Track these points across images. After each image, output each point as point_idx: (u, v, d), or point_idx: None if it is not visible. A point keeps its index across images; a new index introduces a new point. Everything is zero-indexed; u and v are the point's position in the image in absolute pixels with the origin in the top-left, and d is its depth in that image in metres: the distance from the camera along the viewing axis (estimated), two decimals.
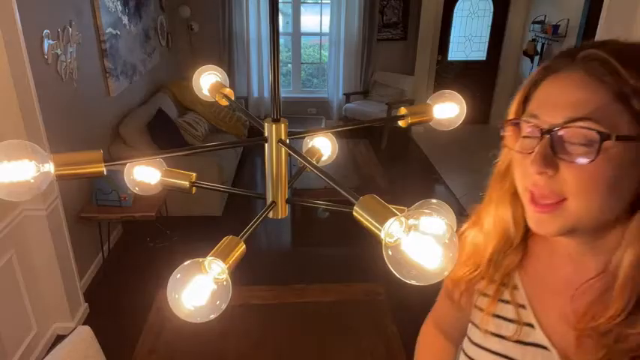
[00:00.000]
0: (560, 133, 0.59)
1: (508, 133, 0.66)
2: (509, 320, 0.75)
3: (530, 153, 0.61)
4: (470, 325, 0.82)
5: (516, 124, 0.65)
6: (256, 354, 1.67)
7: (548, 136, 0.59)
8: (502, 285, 0.77)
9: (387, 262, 0.43)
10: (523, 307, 0.74)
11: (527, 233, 0.76)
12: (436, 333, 1.02)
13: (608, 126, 0.56)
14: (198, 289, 0.48)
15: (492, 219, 0.77)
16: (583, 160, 0.57)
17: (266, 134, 0.60)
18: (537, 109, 0.62)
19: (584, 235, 0.66)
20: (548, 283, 0.73)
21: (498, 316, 0.76)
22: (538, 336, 0.71)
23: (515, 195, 0.70)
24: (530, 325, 0.72)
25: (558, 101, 0.60)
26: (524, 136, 0.63)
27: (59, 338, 2.70)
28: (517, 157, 0.66)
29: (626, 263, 0.61)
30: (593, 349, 0.63)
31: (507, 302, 0.76)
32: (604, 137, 0.56)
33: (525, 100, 0.67)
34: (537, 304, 0.73)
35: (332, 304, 1.90)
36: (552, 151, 0.59)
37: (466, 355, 0.80)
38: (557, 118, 0.59)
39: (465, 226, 0.83)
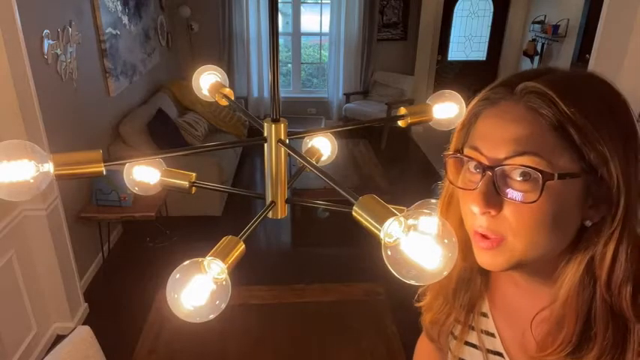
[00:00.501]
0: (503, 168, 0.57)
1: (450, 167, 0.65)
2: None
3: (473, 189, 0.60)
4: None
5: (457, 158, 0.64)
6: (256, 354, 1.67)
7: (490, 173, 0.58)
8: (470, 328, 0.77)
9: (387, 262, 0.43)
10: (492, 335, 0.74)
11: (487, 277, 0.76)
12: (429, 344, 1.01)
13: (549, 160, 0.56)
14: (198, 289, 0.48)
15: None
16: (526, 200, 0.56)
17: (266, 134, 0.60)
18: (478, 141, 0.61)
19: (534, 268, 0.65)
20: (511, 312, 0.73)
21: None
22: None
23: (462, 225, 0.68)
24: (500, 354, 0.73)
25: (499, 135, 0.59)
26: (468, 170, 0.62)
27: (59, 338, 2.70)
28: (460, 193, 0.64)
29: (561, 297, 0.62)
30: None
31: (474, 346, 0.76)
32: (546, 177, 0.55)
33: (466, 132, 0.65)
34: (504, 332, 0.73)
35: (332, 304, 1.90)
36: (495, 189, 0.58)
37: None
38: (499, 153, 0.58)
39: None
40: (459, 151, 0.64)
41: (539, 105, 0.57)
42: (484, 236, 0.61)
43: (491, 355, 0.74)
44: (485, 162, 0.59)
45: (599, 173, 0.57)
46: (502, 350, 0.73)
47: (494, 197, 0.58)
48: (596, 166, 0.57)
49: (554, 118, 0.56)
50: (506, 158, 0.57)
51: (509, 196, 0.57)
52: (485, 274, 0.76)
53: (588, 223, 0.60)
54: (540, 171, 0.55)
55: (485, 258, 0.62)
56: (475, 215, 0.61)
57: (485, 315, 0.76)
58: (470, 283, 0.76)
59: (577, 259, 0.61)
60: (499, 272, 0.74)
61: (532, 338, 0.68)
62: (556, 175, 0.55)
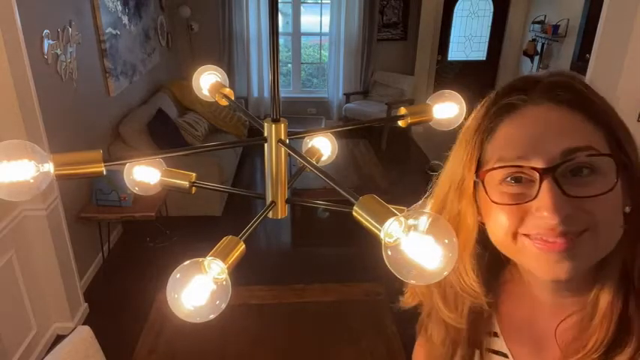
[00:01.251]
0: (563, 167, 0.54)
1: (465, 191, 0.62)
2: None
3: (527, 202, 0.56)
4: None
5: (495, 171, 0.58)
6: (256, 354, 1.67)
7: (549, 176, 0.54)
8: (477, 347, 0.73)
9: (387, 262, 0.43)
10: (505, 355, 0.71)
11: (496, 293, 0.72)
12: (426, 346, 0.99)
13: (597, 148, 0.55)
14: (198, 289, 0.48)
15: (447, 285, 0.70)
16: (604, 190, 0.54)
17: (266, 134, 0.60)
18: (516, 151, 0.57)
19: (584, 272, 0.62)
20: (522, 329, 0.70)
21: None
22: None
23: (472, 253, 0.66)
24: None
25: (544, 137, 0.56)
26: (504, 183, 0.58)
27: (59, 338, 2.70)
28: (500, 208, 0.59)
29: (603, 303, 0.59)
30: None
31: None
32: (617, 159, 0.54)
33: (479, 147, 0.61)
34: (517, 350, 0.70)
35: (332, 304, 1.90)
36: (562, 191, 0.54)
37: None
38: (551, 155, 0.55)
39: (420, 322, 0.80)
40: (498, 166, 0.59)
41: (569, 97, 0.57)
42: (554, 240, 0.55)
43: None
44: (542, 167, 0.55)
45: (627, 155, 0.57)
46: None
47: (563, 200, 0.54)
48: (624, 146, 0.57)
49: (587, 107, 0.56)
50: (563, 157, 0.54)
51: (580, 192, 0.54)
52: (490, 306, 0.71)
53: (627, 209, 0.58)
54: (609, 155, 0.54)
55: (558, 262, 0.56)
56: (540, 221, 0.55)
57: (496, 335, 0.72)
58: (480, 318, 0.71)
59: (613, 260, 0.59)
60: (512, 288, 0.71)
61: (550, 350, 0.65)
62: (622, 155, 0.56)
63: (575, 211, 0.54)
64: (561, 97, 0.57)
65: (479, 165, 0.61)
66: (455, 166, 0.64)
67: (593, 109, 0.57)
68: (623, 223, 0.58)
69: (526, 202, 0.56)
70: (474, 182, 0.62)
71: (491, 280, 0.71)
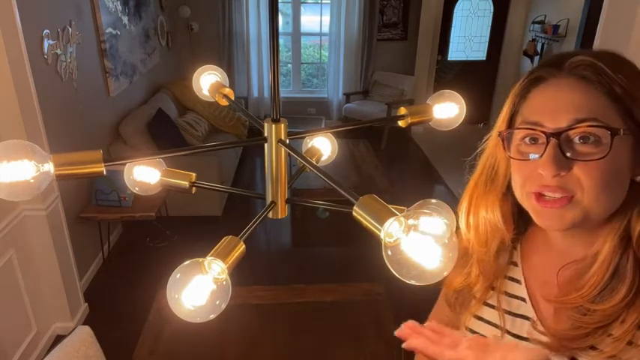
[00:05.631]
0: (569, 134, 0.64)
1: (499, 142, 0.72)
2: (489, 323, 0.81)
3: (533, 160, 0.66)
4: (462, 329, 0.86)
5: (513, 132, 0.70)
6: (256, 354, 1.67)
7: (555, 139, 0.64)
8: (491, 288, 0.81)
9: (387, 263, 0.43)
10: (518, 282, 0.80)
11: (523, 231, 0.81)
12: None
13: (606, 122, 0.63)
14: (198, 289, 0.48)
15: (482, 222, 0.80)
16: (596, 157, 0.62)
17: (266, 134, 0.60)
18: (536, 116, 0.67)
19: (582, 229, 0.70)
20: (537, 266, 0.79)
21: (480, 318, 0.82)
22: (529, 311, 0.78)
23: (503, 197, 0.77)
24: (522, 299, 0.79)
25: (558, 106, 0.65)
26: (523, 143, 0.68)
27: (59, 338, 2.70)
28: (515, 165, 0.70)
29: (603, 255, 0.67)
30: (565, 320, 0.70)
31: (492, 307, 0.81)
32: (614, 132, 0.62)
33: (514, 110, 0.72)
34: (529, 280, 0.79)
35: (332, 304, 1.90)
36: (562, 153, 0.64)
37: None
38: (560, 122, 0.64)
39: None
40: (516, 126, 0.70)
41: (590, 74, 0.64)
42: (548, 199, 0.66)
43: (513, 300, 0.79)
44: (550, 131, 0.65)
45: None
46: (525, 296, 0.78)
47: (561, 161, 0.64)
48: None
49: (605, 84, 0.63)
50: (570, 124, 0.64)
51: (578, 157, 0.63)
52: (512, 249, 0.81)
53: (639, 178, 0.67)
54: (608, 128, 0.62)
55: (551, 217, 0.67)
56: (538, 179, 0.66)
57: (515, 264, 0.81)
58: (498, 258, 0.81)
59: (618, 217, 0.67)
60: (536, 238, 0.80)
61: (553, 288, 0.74)
62: (621, 130, 0.62)
63: (570, 174, 0.64)
64: (583, 74, 0.65)
65: (511, 124, 0.72)
66: (499, 121, 0.75)
67: (611, 86, 0.63)
68: (631, 190, 0.66)
69: (532, 160, 0.67)
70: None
71: (521, 223, 0.80)
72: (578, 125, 0.63)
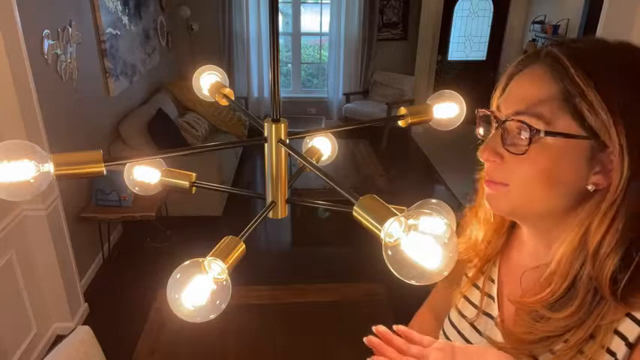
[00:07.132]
0: (506, 125, 0.65)
1: (481, 124, 0.73)
2: (473, 305, 0.83)
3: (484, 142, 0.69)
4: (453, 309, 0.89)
5: (485, 115, 0.71)
6: (256, 354, 1.67)
7: (499, 127, 0.66)
8: (481, 272, 0.83)
9: (387, 263, 0.42)
10: (493, 281, 0.81)
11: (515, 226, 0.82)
12: (427, 314, 1.06)
13: (548, 121, 0.61)
14: (198, 289, 0.48)
15: (484, 209, 0.81)
16: (517, 151, 0.63)
17: (266, 134, 0.60)
18: (502, 101, 0.69)
19: (540, 228, 0.71)
20: (512, 266, 0.80)
21: (467, 299, 0.84)
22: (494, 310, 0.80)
23: None
24: (491, 297, 0.80)
25: (513, 95, 0.67)
26: (492, 127, 0.71)
27: (59, 338, 2.70)
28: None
29: (557, 257, 0.66)
30: (520, 323, 0.70)
31: (478, 288, 0.83)
32: (533, 133, 0.61)
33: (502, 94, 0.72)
34: (502, 279, 0.81)
35: (332, 304, 1.90)
36: (502, 142, 0.65)
37: (443, 331, 0.89)
38: (507, 111, 0.66)
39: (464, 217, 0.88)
40: (487, 110, 0.72)
41: (552, 69, 0.62)
42: (491, 182, 0.68)
43: (485, 297, 0.82)
44: (500, 118, 0.66)
45: (601, 139, 0.59)
46: (494, 295, 0.80)
47: (497, 148, 0.66)
48: (597, 131, 0.59)
49: (562, 82, 0.61)
50: (507, 116, 0.65)
51: (509, 148, 0.64)
52: (506, 238, 0.82)
53: (591, 187, 0.62)
54: (529, 126, 0.61)
55: (489, 199, 0.70)
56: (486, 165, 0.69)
57: (495, 264, 0.83)
58: (498, 240, 0.82)
59: (577, 224, 0.65)
60: (516, 233, 0.81)
61: (518, 288, 0.74)
62: (542, 132, 0.61)
63: (504, 164, 0.66)
64: (547, 67, 0.63)
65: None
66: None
67: (563, 83, 0.61)
68: (589, 199, 0.63)
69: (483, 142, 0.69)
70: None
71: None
72: (513, 117, 0.64)
